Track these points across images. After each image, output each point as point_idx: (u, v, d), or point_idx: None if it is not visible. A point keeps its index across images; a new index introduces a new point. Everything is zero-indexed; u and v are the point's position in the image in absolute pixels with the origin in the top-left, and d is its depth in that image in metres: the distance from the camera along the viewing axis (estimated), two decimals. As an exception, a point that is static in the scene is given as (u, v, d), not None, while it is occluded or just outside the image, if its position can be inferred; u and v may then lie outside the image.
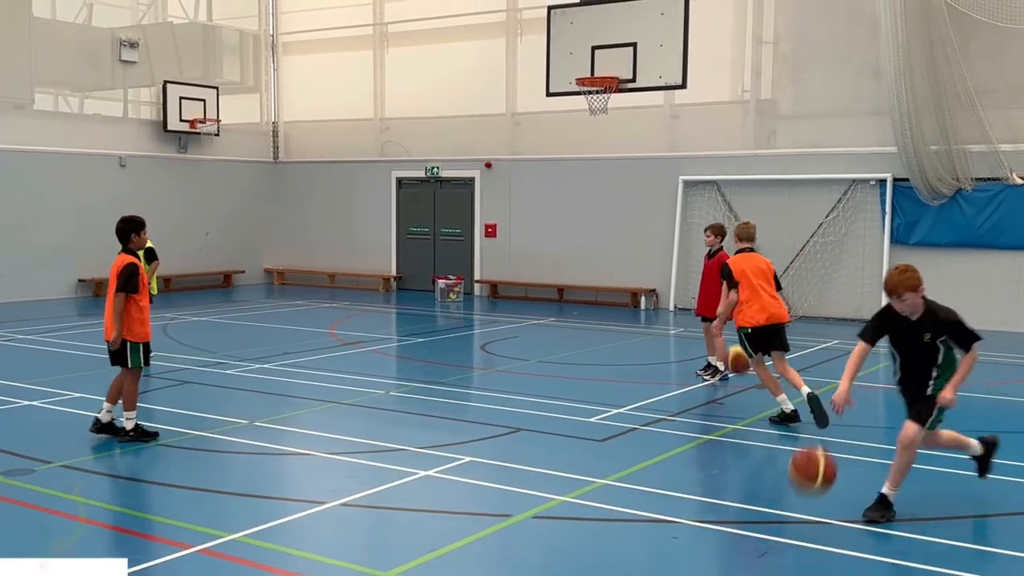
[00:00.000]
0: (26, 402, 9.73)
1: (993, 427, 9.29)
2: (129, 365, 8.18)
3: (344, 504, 6.67)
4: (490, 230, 21.21)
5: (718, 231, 11.30)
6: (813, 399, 8.67)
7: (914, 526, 6.29)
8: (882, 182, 16.95)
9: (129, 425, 8.23)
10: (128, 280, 8.09)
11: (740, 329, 9.21)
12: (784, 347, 9.17)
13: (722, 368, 11.06)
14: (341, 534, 6.29)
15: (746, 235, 9.73)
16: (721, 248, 11.30)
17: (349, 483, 7.16)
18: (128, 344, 8.15)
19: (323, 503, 6.68)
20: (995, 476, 7.26)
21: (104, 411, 8.34)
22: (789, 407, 9.05)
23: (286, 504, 6.72)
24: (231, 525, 6.18)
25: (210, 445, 8.20)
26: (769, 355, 9.20)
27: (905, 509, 6.71)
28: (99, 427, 8.32)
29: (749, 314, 9.13)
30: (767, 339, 9.12)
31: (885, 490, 6.38)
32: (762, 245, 17.77)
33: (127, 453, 7.99)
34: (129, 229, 8.33)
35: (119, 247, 8.37)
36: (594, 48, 14.60)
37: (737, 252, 9.61)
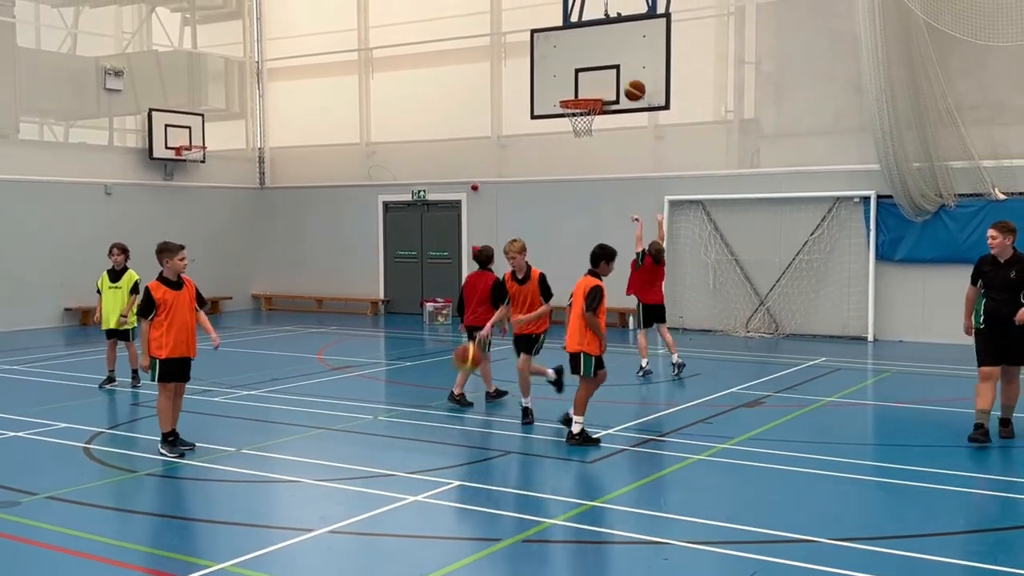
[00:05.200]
0: (11, 433, 9.66)
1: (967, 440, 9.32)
2: (581, 373, 8.98)
3: (333, 531, 6.64)
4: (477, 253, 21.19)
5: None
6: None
7: (903, 543, 6.29)
8: (866, 199, 17.06)
9: (576, 429, 9.00)
10: (595, 298, 8.92)
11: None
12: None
13: (644, 364, 13.05)
14: (330, 562, 6.26)
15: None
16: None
17: (338, 510, 7.12)
18: (582, 356, 8.93)
19: (311, 531, 6.64)
20: (987, 492, 7.27)
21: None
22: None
23: (274, 532, 6.68)
24: (219, 554, 6.14)
25: (197, 473, 8.15)
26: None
27: (891, 526, 6.72)
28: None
29: None
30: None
31: None
32: (748, 263, 18.09)
33: (114, 484, 7.94)
34: (602, 255, 9.11)
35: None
36: (577, 71, 14.65)
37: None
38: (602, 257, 9.11)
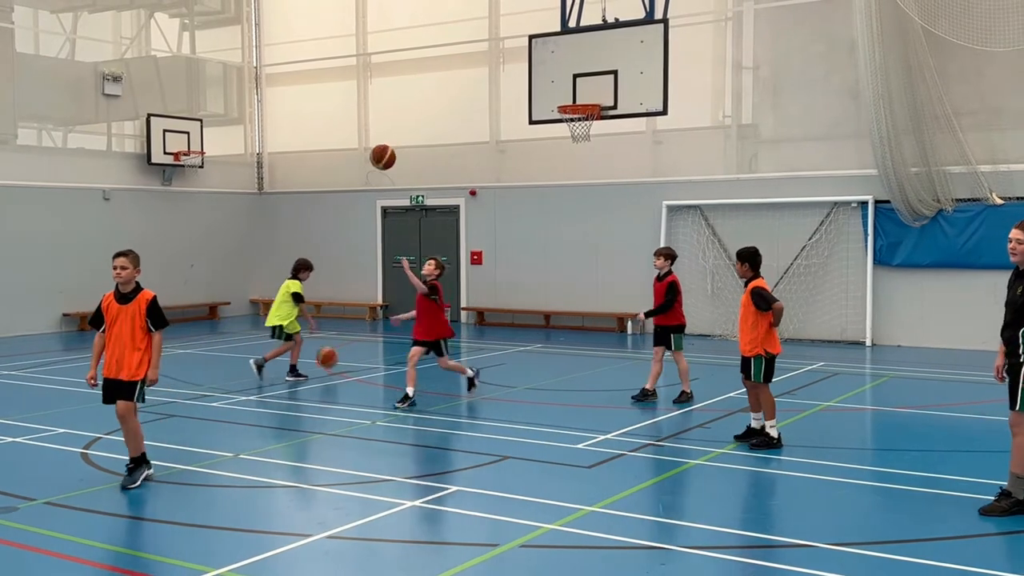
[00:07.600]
0: (9, 439, 9.66)
1: (972, 446, 9.34)
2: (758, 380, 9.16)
3: (331, 536, 6.64)
4: (476, 257, 21.25)
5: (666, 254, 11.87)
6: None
7: (901, 548, 6.30)
8: (864, 204, 17.08)
9: (773, 433, 9.12)
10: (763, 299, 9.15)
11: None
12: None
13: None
14: (328, 567, 6.26)
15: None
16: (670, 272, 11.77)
17: (336, 515, 7.13)
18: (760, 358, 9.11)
19: (309, 536, 6.64)
20: (986, 496, 7.28)
21: (753, 420, 9.32)
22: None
23: (273, 537, 6.68)
24: (217, 560, 6.14)
25: (196, 479, 8.15)
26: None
27: (889, 531, 6.73)
28: (748, 432, 9.31)
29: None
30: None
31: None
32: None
33: (112, 489, 7.94)
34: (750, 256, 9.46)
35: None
36: (575, 76, 14.69)
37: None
38: (753, 257, 9.44)
